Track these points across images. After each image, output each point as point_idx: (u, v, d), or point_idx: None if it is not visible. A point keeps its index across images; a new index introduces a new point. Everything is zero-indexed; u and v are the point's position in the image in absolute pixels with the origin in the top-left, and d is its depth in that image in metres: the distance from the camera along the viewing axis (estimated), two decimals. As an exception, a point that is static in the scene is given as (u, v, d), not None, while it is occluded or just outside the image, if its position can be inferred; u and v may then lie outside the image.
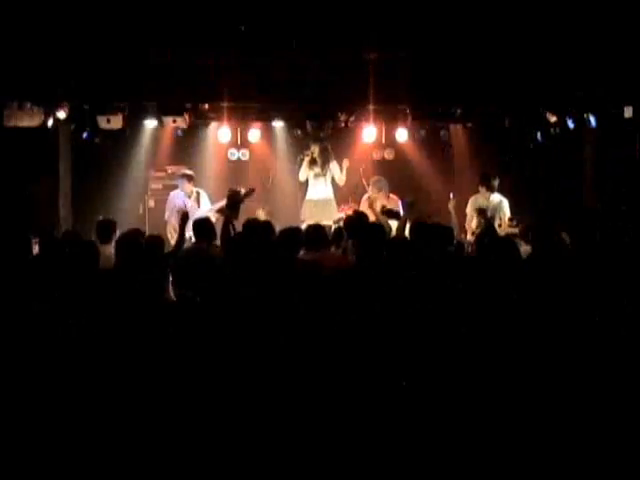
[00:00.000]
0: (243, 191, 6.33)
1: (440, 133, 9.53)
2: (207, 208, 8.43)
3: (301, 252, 5.20)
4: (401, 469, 3.36)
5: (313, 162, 8.59)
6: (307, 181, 8.77)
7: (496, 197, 8.07)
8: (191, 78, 8.24)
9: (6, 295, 4.01)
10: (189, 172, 8.70)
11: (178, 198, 8.55)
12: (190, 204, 8.48)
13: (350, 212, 7.72)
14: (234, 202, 5.95)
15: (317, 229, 5.59)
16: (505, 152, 9.47)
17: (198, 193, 8.57)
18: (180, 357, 3.70)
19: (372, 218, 6.89)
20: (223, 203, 8.40)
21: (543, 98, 8.41)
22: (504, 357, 3.68)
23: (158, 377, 3.61)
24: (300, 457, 3.38)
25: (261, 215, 8.33)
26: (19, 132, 8.18)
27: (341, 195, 9.14)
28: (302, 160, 8.64)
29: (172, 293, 4.69)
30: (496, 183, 8.02)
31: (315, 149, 8.61)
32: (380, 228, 5.32)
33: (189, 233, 6.50)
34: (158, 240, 5.11)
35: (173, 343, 3.76)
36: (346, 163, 8.73)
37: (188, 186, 8.49)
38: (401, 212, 6.55)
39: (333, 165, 8.68)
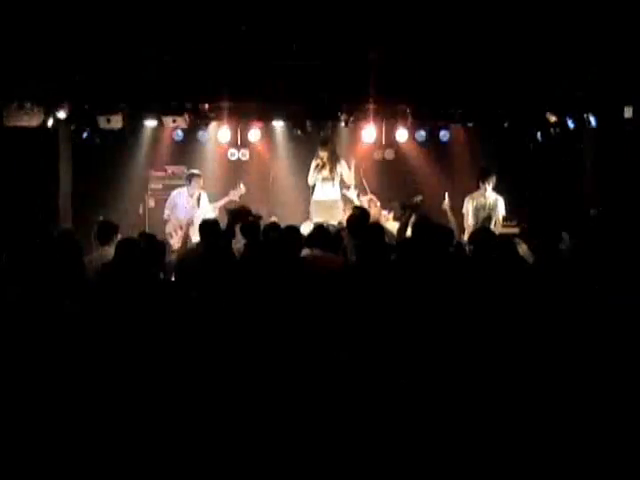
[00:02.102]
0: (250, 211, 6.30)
1: (440, 133, 9.54)
2: (210, 207, 8.43)
3: (304, 251, 5.22)
4: (401, 468, 3.35)
5: (323, 167, 8.62)
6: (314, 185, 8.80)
7: (492, 196, 8.07)
8: (191, 78, 8.23)
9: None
10: (198, 172, 8.74)
11: (181, 197, 8.54)
12: (192, 204, 8.47)
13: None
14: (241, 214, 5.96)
15: (322, 230, 5.64)
16: (505, 152, 9.46)
17: (199, 194, 8.57)
18: (184, 355, 3.70)
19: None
20: (225, 201, 8.41)
21: (543, 98, 8.41)
22: (503, 357, 3.68)
23: (161, 375, 3.62)
24: (299, 456, 3.38)
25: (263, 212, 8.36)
26: (19, 132, 8.18)
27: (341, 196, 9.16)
28: (317, 165, 8.65)
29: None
30: (494, 181, 8.03)
31: (324, 154, 8.62)
32: (380, 228, 5.33)
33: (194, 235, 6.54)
34: (160, 244, 5.14)
35: (177, 342, 3.76)
36: (353, 163, 8.76)
37: (199, 186, 8.50)
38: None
39: (340, 166, 8.70)
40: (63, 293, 3.97)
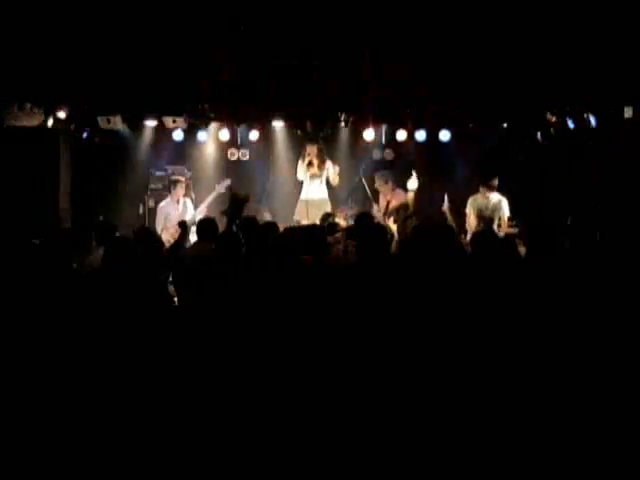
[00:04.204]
0: (243, 194, 6.25)
1: (440, 133, 9.54)
2: (196, 210, 8.33)
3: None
4: (400, 469, 3.35)
5: (310, 163, 8.61)
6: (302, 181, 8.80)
7: (495, 197, 8.05)
8: (191, 78, 8.24)
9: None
10: (181, 178, 8.71)
11: (168, 206, 8.46)
12: (180, 210, 8.40)
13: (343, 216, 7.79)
14: (237, 204, 5.93)
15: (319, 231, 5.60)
16: (505, 152, 9.45)
17: (184, 201, 8.52)
18: (182, 356, 3.70)
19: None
20: (213, 196, 8.34)
21: (543, 98, 8.41)
22: (501, 357, 3.68)
23: (159, 376, 3.62)
24: (299, 455, 3.37)
25: (267, 216, 8.31)
26: (19, 132, 8.19)
27: (341, 196, 9.15)
28: (303, 160, 8.66)
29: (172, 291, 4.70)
30: (495, 183, 8.02)
31: (312, 150, 8.62)
32: (381, 228, 5.32)
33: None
34: (156, 238, 5.14)
35: (174, 342, 3.76)
36: (337, 167, 8.75)
37: (181, 191, 8.46)
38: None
39: (329, 165, 8.70)
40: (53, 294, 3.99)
